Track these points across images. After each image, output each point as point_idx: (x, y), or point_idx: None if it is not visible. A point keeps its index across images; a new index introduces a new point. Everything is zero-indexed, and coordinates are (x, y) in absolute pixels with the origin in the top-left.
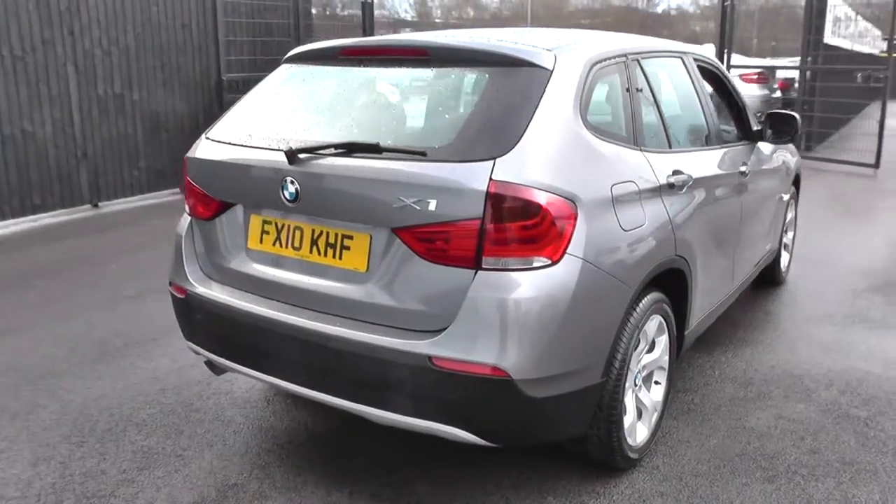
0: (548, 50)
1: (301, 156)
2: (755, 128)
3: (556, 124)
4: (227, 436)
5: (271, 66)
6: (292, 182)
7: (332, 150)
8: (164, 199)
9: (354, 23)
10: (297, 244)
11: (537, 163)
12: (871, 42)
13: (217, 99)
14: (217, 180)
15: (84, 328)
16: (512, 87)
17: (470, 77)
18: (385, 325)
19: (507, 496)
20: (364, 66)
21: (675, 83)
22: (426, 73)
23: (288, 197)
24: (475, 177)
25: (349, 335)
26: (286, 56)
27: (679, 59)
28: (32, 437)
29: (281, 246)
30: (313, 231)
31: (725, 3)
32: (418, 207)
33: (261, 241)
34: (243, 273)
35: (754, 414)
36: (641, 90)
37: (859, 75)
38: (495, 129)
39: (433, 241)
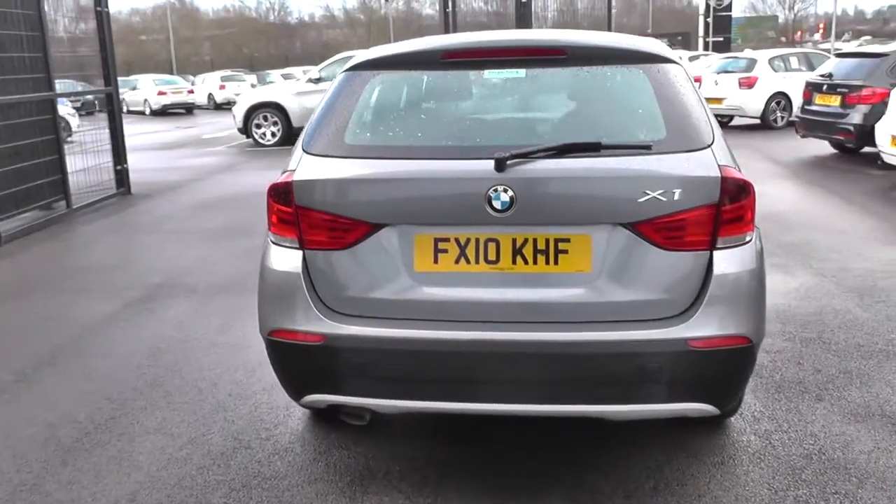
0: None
1: (509, 162)
2: None
3: (710, 111)
4: (347, 490)
5: (18, 87)
6: (505, 190)
7: (546, 154)
8: None
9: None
10: (492, 257)
11: (727, 148)
12: None
13: None
14: (358, 201)
15: None
16: (672, 81)
17: (624, 73)
18: (623, 321)
19: (675, 468)
20: (477, 69)
21: None
22: (569, 72)
23: (499, 207)
24: (708, 165)
25: (599, 337)
26: (355, 63)
27: None
28: None
29: (468, 262)
30: (514, 241)
31: (447, 10)
32: (664, 199)
33: (435, 262)
34: (411, 301)
35: None
36: None
37: None
38: (692, 119)
39: (675, 229)
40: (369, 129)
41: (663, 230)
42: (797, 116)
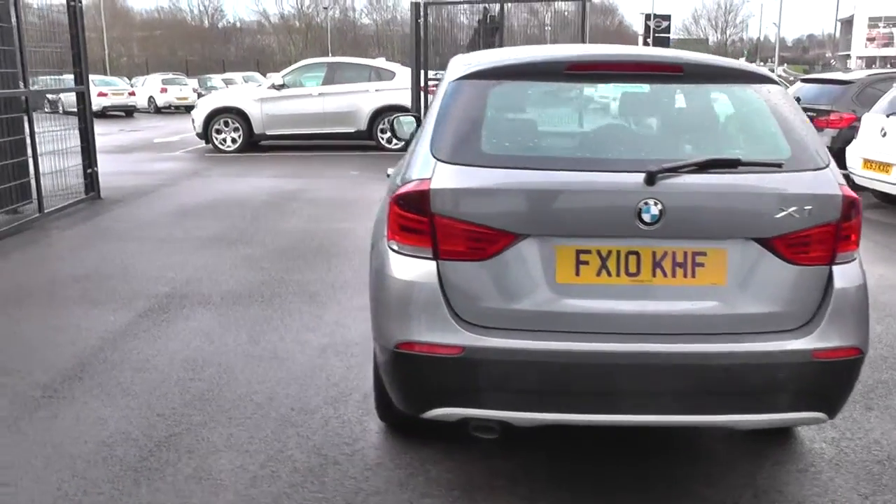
0: None
1: (658, 176)
2: None
3: None
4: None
5: None
6: (656, 203)
7: (692, 168)
8: None
9: None
10: (632, 270)
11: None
12: None
13: None
14: (502, 211)
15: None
16: (783, 102)
17: (737, 92)
18: (753, 332)
19: (765, 476)
20: (599, 82)
21: None
22: (686, 89)
23: (648, 220)
24: (832, 184)
25: (733, 348)
26: (469, 72)
27: None
28: None
29: (609, 275)
30: (654, 253)
31: (419, 20)
32: (797, 215)
33: (577, 274)
34: (552, 313)
35: None
36: None
37: None
38: (810, 139)
39: (803, 244)
40: (505, 138)
41: (793, 245)
42: None
